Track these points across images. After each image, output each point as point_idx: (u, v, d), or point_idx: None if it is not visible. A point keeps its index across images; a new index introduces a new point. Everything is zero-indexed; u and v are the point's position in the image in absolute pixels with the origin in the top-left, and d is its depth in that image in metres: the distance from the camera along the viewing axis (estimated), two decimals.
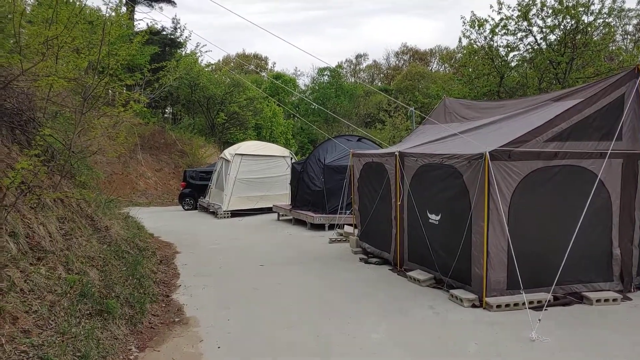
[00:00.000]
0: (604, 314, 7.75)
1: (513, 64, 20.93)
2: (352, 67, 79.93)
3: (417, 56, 76.00)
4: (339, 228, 14.51)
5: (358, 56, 79.21)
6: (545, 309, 7.71)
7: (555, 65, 18.98)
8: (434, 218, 9.13)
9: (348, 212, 14.81)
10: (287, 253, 12.54)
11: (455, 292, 8.36)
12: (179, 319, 7.60)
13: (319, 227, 15.91)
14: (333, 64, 65.85)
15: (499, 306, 7.84)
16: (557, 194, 8.35)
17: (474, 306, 8.02)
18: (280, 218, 18.80)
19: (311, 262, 11.50)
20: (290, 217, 17.80)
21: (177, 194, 24.86)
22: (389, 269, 10.54)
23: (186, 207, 23.10)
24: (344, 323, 7.32)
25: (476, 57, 21.27)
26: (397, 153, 10.25)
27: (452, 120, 11.98)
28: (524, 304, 7.92)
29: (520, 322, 7.30)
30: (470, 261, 8.28)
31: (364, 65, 80.00)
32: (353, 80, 74.58)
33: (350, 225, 13.63)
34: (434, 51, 74.86)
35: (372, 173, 11.65)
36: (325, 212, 15.98)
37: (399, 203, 10.27)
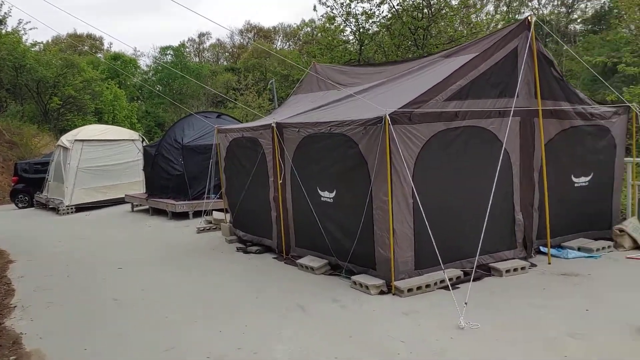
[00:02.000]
0: (518, 285, 7.10)
1: (371, 32, 20.39)
2: (195, 46, 76.59)
3: (262, 34, 74.66)
4: (207, 215, 12.90)
5: (201, 35, 75.92)
6: (457, 287, 6.91)
7: (413, 32, 18.68)
8: (326, 196, 7.94)
9: (215, 196, 13.24)
10: (149, 250, 10.73)
11: (358, 278, 7.27)
12: (16, 356, 5.69)
13: (183, 215, 14.14)
14: (175, 44, 62.37)
15: (410, 290, 6.87)
16: (460, 159, 7.53)
17: (382, 293, 6.98)
18: (135, 209, 16.67)
19: (180, 257, 9.86)
20: (147, 207, 15.78)
21: (9, 191, 21.52)
22: (274, 258, 9.24)
23: (20, 205, 20.01)
24: (237, 334, 5.89)
25: (334, 25, 20.44)
26: (274, 124, 8.89)
27: (328, 87, 10.86)
28: (435, 284, 7.06)
29: (438, 306, 6.39)
30: (373, 241, 7.22)
31: (208, 44, 76.89)
32: (198, 60, 71.70)
33: (221, 210, 12.09)
34: (277, 29, 73.96)
35: (243, 150, 10.21)
36: (189, 199, 14.25)
37: (280, 182, 8.96)
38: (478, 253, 7.06)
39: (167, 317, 6.57)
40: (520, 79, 7.91)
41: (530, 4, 49.95)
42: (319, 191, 8.05)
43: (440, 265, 7.15)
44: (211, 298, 7.24)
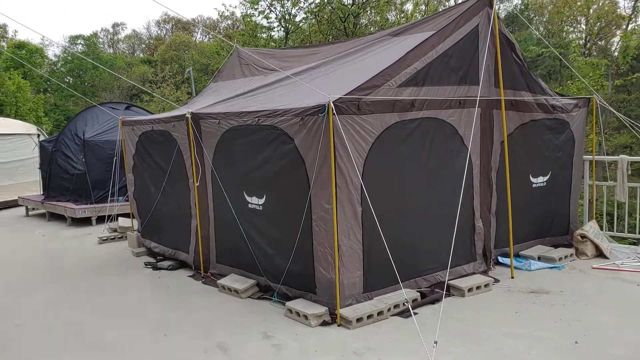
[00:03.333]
0: (486, 308, 5.95)
1: (298, 19, 19.01)
2: (109, 37, 72.76)
3: (180, 25, 71.75)
4: (111, 221, 11.11)
5: (115, 25, 72.08)
6: (415, 312, 5.66)
7: (342, 19, 17.46)
8: (255, 202, 6.48)
9: (123, 199, 11.47)
10: (38, 265, 8.86)
11: (294, 305, 5.87)
12: None
13: (85, 221, 12.22)
14: (87, 33, 58.89)
15: (359, 320, 5.55)
16: (416, 157, 6.31)
17: (324, 323, 5.62)
18: (30, 213, 14.48)
19: (72, 276, 8.08)
20: (44, 211, 13.69)
21: None
22: (189, 276, 7.67)
23: None
24: None
25: (258, 10, 18.86)
26: (188, 115, 7.34)
27: (253, 73, 9.40)
28: (389, 310, 5.79)
29: (397, 341, 5.13)
30: (312, 259, 5.85)
31: (123, 35, 73.21)
32: (111, 51, 68.08)
33: (128, 217, 10.35)
34: (196, 20, 71.27)
35: (155, 145, 8.59)
36: (91, 202, 12.34)
37: (196, 184, 7.42)
38: (449, 266, 5.96)
39: None
40: (482, 63, 6.80)
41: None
42: (246, 196, 6.58)
43: (392, 286, 6.02)
44: (104, 337, 5.62)
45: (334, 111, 5.37)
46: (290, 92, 6.86)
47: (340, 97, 5.49)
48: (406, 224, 6.26)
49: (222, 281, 6.89)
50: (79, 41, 59.86)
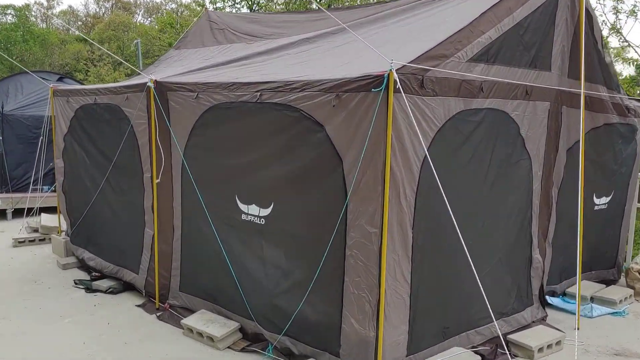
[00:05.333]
0: None
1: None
2: (43, 10, 67.85)
3: (121, 5, 67.91)
4: (32, 216, 8.72)
5: None
6: None
7: None
8: (253, 213, 4.46)
9: (48, 188, 9.17)
10: None
11: None
12: None
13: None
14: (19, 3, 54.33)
15: None
16: (478, 163, 4.49)
17: None
18: None
19: None
20: None
21: None
22: (138, 305, 5.57)
23: None
24: None
25: None
26: (151, 83, 5.25)
27: (229, 40, 7.37)
28: None
29: None
30: (340, 304, 3.93)
31: (58, 10, 68.49)
32: (45, 26, 63.48)
33: (55, 211, 8.02)
34: (138, 2, 67.67)
35: (96, 124, 6.44)
36: (8, 190, 9.92)
37: (156, 181, 5.35)
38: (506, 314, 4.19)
39: None
40: (555, 43, 5.09)
41: None
42: (240, 203, 4.55)
43: (438, 344, 4.26)
44: None
45: (398, 86, 3.48)
46: (303, 61, 4.91)
47: (405, 65, 3.61)
48: (458, 258, 4.44)
49: (188, 321, 4.85)
50: (8, 11, 55.21)
